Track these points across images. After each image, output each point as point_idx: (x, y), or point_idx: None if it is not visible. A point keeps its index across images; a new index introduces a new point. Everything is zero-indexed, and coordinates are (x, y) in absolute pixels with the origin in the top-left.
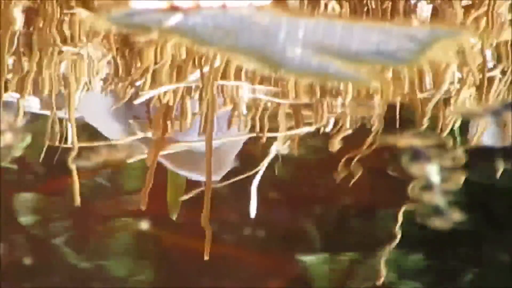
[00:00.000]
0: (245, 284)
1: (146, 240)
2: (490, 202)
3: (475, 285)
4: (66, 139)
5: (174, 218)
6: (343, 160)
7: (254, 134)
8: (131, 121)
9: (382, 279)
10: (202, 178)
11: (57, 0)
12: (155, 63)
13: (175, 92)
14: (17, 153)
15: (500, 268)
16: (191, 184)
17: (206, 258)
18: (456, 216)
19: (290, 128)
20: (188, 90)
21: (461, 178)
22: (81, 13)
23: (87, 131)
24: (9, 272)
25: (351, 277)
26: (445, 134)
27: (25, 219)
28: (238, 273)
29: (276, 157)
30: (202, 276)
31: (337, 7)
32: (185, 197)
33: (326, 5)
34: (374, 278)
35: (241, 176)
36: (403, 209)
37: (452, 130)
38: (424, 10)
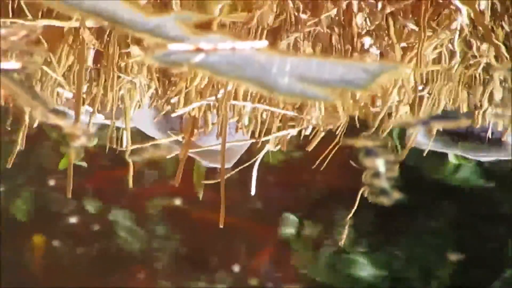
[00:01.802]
0: (246, 246)
1: (178, 212)
2: (420, 186)
3: (411, 242)
4: (122, 141)
5: (200, 197)
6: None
7: (253, 140)
8: (169, 131)
9: (343, 240)
10: (218, 166)
11: (117, 41)
12: (186, 87)
13: (199, 108)
14: (84, 153)
15: (428, 230)
16: (210, 171)
17: (221, 226)
18: (396, 195)
19: (279, 131)
20: (209, 106)
21: (398, 168)
22: (134, 51)
23: (138, 135)
24: (79, 230)
25: (321, 240)
26: (387, 137)
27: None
28: (242, 237)
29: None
30: (217, 239)
31: (312, 49)
32: (207, 182)
33: (304, 48)
34: (339, 239)
35: (245, 164)
36: (360, 190)
37: (393, 134)
38: (374, 51)
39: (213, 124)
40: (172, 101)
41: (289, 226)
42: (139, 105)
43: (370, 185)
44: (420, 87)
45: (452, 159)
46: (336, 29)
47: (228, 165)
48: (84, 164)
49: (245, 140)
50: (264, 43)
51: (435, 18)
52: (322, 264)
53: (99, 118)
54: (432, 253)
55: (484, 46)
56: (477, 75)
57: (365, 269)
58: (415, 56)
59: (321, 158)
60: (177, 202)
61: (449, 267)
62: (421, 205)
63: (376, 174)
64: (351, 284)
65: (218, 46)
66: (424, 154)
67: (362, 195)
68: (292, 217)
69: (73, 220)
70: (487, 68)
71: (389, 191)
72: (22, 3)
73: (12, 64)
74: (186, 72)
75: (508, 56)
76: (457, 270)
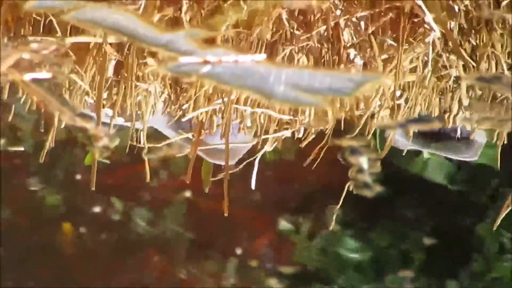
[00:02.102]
0: (249, 230)
1: (188, 203)
2: (398, 180)
3: (391, 229)
4: (140, 141)
5: (206, 190)
6: (312, 153)
7: (254, 142)
8: (180, 131)
9: (332, 227)
10: (222, 163)
11: (135, 54)
12: (195, 94)
13: (206, 113)
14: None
15: (405, 219)
16: (216, 167)
17: (225, 214)
18: (378, 188)
19: (275, 132)
20: (214, 111)
21: (379, 165)
22: (150, 62)
23: (153, 136)
24: (102, 218)
25: (312, 227)
26: (370, 137)
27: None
28: (243, 225)
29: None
30: (222, 226)
31: (305, 61)
32: (213, 179)
33: (298, 60)
34: (328, 226)
35: (246, 162)
36: (347, 184)
37: (375, 136)
38: (358, 62)
39: (218, 125)
40: (183, 106)
41: (285, 219)
42: (154, 110)
43: (355, 180)
44: (398, 94)
45: (425, 156)
46: (325, 44)
47: (231, 162)
48: (107, 161)
49: (247, 141)
50: (262, 56)
51: (412, 34)
52: (313, 248)
53: (120, 121)
54: (409, 238)
55: (453, 58)
56: (448, 84)
57: (351, 252)
58: (394, 67)
59: (312, 156)
60: (187, 194)
61: (424, 250)
62: (399, 197)
63: (360, 170)
64: (340, 265)
65: (223, 59)
66: (403, 154)
67: (348, 188)
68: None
69: (97, 209)
70: (456, 78)
71: (372, 185)
72: (52, 21)
73: (43, 74)
74: (195, 81)
75: (474, 67)
76: (431, 253)
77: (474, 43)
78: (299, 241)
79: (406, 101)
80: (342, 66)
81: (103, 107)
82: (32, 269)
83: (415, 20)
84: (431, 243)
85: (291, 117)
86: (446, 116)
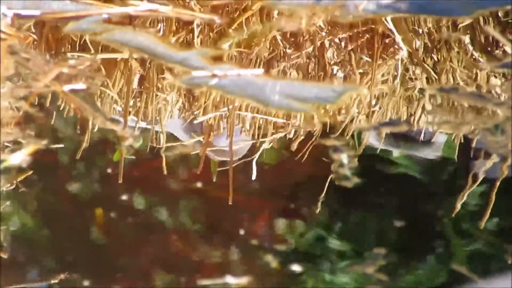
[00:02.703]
0: (249, 215)
1: (199, 192)
2: (373, 173)
3: (366, 215)
4: (159, 141)
5: (214, 180)
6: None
7: (254, 141)
8: (192, 133)
9: (318, 211)
10: (227, 159)
11: (155, 69)
12: (204, 102)
13: (215, 117)
14: (134, 148)
15: (380, 207)
16: (222, 163)
17: (230, 203)
18: (355, 179)
19: (272, 134)
20: (221, 116)
21: (356, 161)
22: (167, 76)
23: (171, 137)
24: (128, 205)
25: (299, 213)
26: (349, 138)
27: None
28: (245, 209)
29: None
30: (228, 211)
31: (296, 75)
32: (219, 168)
33: (290, 74)
34: (313, 213)
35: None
36: (330, 176)
37: (353, 136)
38: (339, 75)
39: (224, 128)
40: (195, 112)
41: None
42: (171, 115)
43: (337, 173)
44: (373, 102)
45: (395, 154)
46: (312, 60)
47: (235, 158)
48: (133, 157)
49: (247, 140)
50: (260, 70)
51: (384, 52)
52: (298, 232)
53: (142, 124)
54: (382, 223)
55: (418, 72)
56: (414, 93)
57: (332, 236)
58: (369, 79)
59: (301, 153)
60: (199, 184)
61: (396, 233)
62: (373, 187)
63: (341, 165)
64: (322, 248)
65: (228, 73)
66: (378, 152)
67: (331, 180)
68: (281, 196)
69: (124, 197)
70: (421, 89)
71: (350, 177)
72: (86, 40)
73: (79, 85)
74: (205, 91)
75: (436, 79)
76: (402, 235)
77: (436, 59)
78: (289, 224)
79: (379, 108)
80: (326, 79)
81: (129, 113)
82: (70, 247)
83: (387, 40)
84: (401, 225)
85: (285, 121)
86: (412, 120)
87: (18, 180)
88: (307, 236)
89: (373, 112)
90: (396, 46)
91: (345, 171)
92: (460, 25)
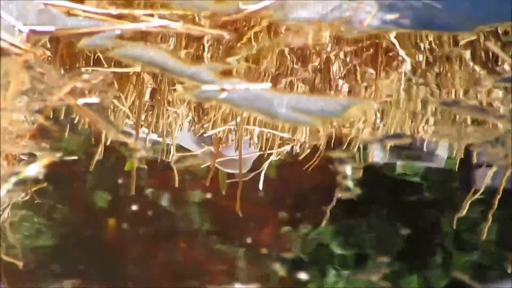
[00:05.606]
0: (257, 223)
1: (208, 202)
2: (376, 183)
3: (370, 225)
4: (170, 152)
5: (224, 192)
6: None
7: (261, 152)
8: (203, 144)
9: (324, 223)
10: (236, 171)
11: (166, 83)
12: (214, 115)
13: (223, 130)
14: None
15: (380, 215)
16: (230, 175)
17: (238, 212)
18: (357, 191)
19: (279, 147)
20: (230, 130)
21: (361, 173)
22: (178, 89)
23: (181, 149)
24: (140, 215)
25: (304, 222)
26: (355, 151)
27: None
28: (253, 218)
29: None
30: (236, 220)
31: (302, 88)
32: (229, 180)
33: (297, 87)
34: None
35: (255, 172)
36: (335, 187)
37: (359, 149)
38: (344, 89)
39: (232, 140)
40: (205, 125)
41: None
42: (181, 128)
43: (340, 184)
44: (378, 115)
45: (398, 164)
46: (318, 74)
47: (243, 170)
48: (145, 166)
49: (255, 152)
50: (268, 84)
51: (388, 65)
52: (304, 241)
53: (154, 137)
54: (385, 232)
55: (422, 86)
56: (417, 106)
57: (337, 245)
58: (373, 91)
59: (308, 165)
60: (208, 195)
61: (400, 241)
62: (377, 196)
63: (345, 176)
64: (327, 256)
65: (236, 87)
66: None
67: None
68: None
69: (135, 207)
70: (423, 102)
71: (352, 188)
72: (100, 56)
73: (93, 99)
74: (214, 105)
75: (438, 92)
76: (406, 243)
77: (438, 71)
78: (294, 234)
79: (384, 121)
80: (332, 92)
81: (141, 126)
82: (83, 255)
83: (390, 54)
84: (406, 233)
85: (290, 136)
86: (415, 133)
87: (33, 191)
88: (312, 245)
89: (378, 126)
90: (399, 59)
91: (348, 183)
92: (461, 42)
